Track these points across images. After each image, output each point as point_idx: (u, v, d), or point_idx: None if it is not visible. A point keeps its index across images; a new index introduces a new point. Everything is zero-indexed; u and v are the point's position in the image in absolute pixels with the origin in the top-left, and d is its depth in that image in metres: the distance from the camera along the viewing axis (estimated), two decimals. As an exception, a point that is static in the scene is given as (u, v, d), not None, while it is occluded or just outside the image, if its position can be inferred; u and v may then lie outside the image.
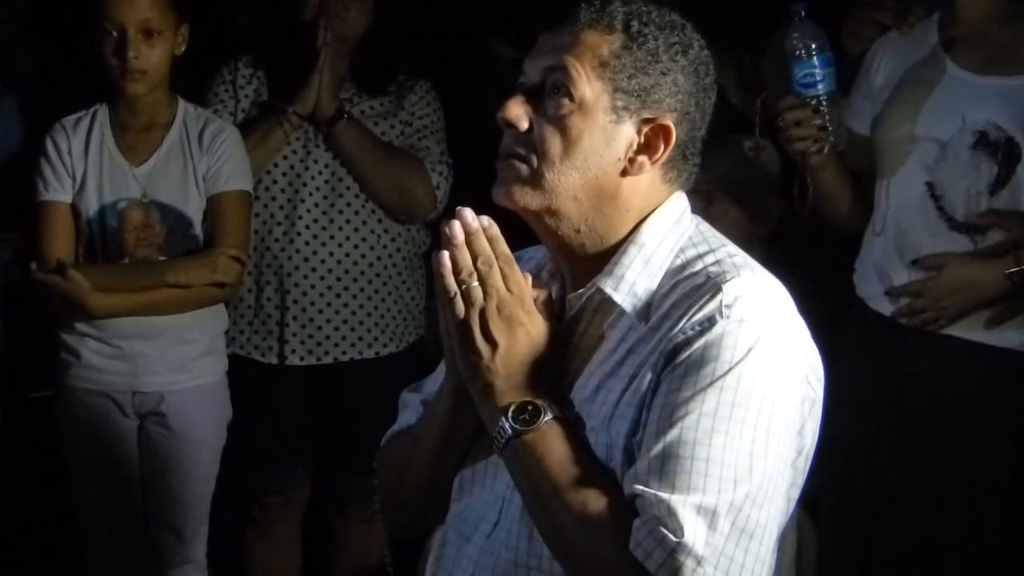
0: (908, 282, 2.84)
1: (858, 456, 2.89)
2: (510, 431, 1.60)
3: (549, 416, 1.61)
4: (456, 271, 1.62)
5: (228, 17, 3.67)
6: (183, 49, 3.22)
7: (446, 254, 1.62)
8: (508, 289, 1.63)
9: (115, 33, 3.12)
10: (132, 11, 3.12)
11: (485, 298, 1.62)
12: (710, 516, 1.49)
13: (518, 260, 1.67)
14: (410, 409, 1.85)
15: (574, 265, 1.70)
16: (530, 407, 1.61)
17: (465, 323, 1.62)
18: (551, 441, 1.59)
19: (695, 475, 1.50)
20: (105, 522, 3.30)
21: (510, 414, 1.61)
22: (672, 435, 1.52)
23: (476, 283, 1.62)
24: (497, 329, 1.62)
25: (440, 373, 1.79)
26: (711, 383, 1.54)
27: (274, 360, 3.42)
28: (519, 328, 1.63)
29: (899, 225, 2.86)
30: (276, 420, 3.45)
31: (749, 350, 1.55)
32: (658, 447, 1.52)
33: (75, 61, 3.56)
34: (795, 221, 3.11)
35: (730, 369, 1.54)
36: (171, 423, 3.24)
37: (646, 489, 1.51)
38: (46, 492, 4.11)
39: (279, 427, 3.45)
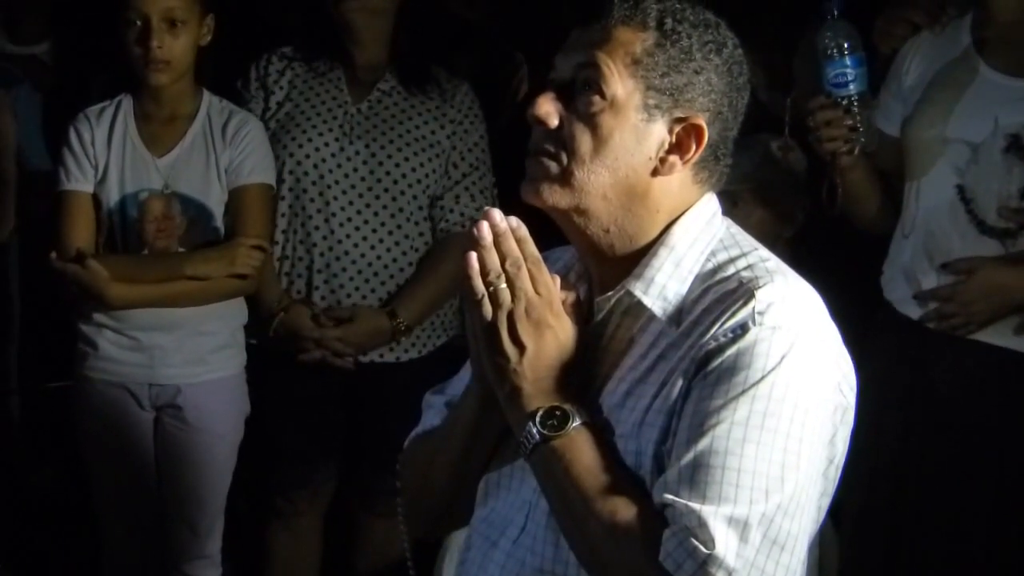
0: (937, 286, 2.81)
1: (883, 461, 2.86)
2: (538, 436, 1.58)
3: (578, 422, 1.58)
4: (484, 273, 1.60)
5: (255, 7, 3.65)
6: (208, 40, 3.20)
7: (474, 255, 1.60)
8: (536, 291, 1.61)
9: (139, 22, 3.11)
10: (156, 0, 3.10)
11: (513, 300, 1.60)
12: (741, 527, 1.47)
13: (545, 260, 1.64)
14: (434, 411, 1.82)
15: (603, 267, 1.67)
16: (558, 412, 1.58)
17: (492, 325, 1.60)
18: (579, 447, 1.57)
19: (726, 485, 1.48)
20: (120, 514, 3.30)
21: (538, 419, 1.58)
22: (703, 444, 1.50)
23: (504, 285, 1.60)
24: (525, 332, 1.59)
25: (464, 374, 1.77)
26: (743, 391, 1.51)
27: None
28: (547, 331, 1.60)
29: (928, 228, 2.82)
30: (304, 415, 3.40)
31: (782, 358, 1.53)
32: (689, 456, 1.50)
33: (98, 50, 3.56)
34: (821, 222, 3.08)
35: (763, 377, 1.52)
36: (187, 416, 3.23)
37: (676, 499, 1.48)
38: (64, 482, 4.11)
39: (308, 422, 3.41)
